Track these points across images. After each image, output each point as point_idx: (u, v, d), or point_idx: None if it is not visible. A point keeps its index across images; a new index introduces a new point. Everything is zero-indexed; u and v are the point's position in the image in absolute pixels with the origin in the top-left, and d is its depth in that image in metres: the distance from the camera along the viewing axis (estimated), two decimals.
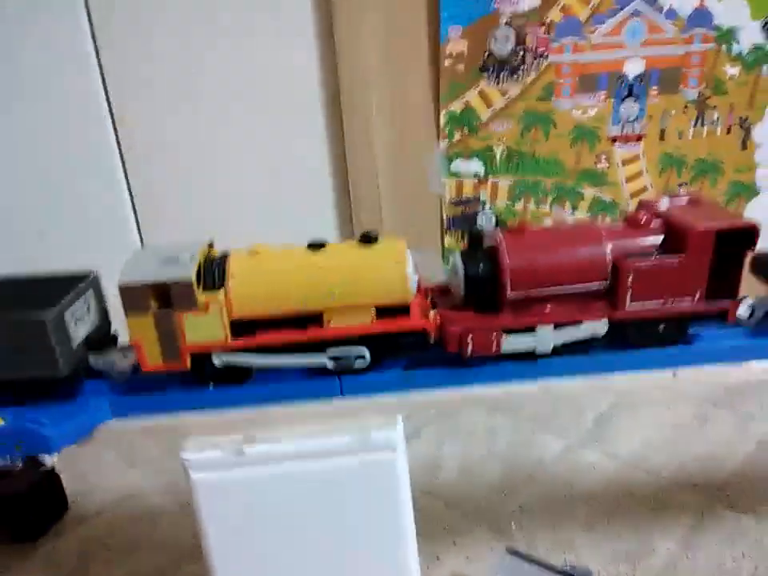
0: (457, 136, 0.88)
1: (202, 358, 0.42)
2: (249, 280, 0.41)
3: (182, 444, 0.41)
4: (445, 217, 0.91)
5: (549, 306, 0.43)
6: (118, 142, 0.83)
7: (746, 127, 0.88)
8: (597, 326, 0.43)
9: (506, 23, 0.83)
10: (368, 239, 0.43)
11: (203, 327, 0.41)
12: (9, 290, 0.47)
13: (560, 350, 0.43)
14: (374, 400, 0.45)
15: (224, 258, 0.43)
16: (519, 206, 0.91)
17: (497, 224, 0.91)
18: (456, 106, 0.86)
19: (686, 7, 0.82)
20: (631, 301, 0.42)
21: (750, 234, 0.42)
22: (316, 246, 0.43)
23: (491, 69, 0.85)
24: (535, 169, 0.89)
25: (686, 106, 0.87)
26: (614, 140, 0.88)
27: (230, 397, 0.42)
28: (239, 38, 0.81)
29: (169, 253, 0.42)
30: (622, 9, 0.83)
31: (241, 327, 0.42)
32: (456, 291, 0.44)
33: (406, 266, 0.42)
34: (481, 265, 0.43)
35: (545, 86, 0.86)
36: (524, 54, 0.85)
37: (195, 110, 0.82)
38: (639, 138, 0.88)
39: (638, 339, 0.44)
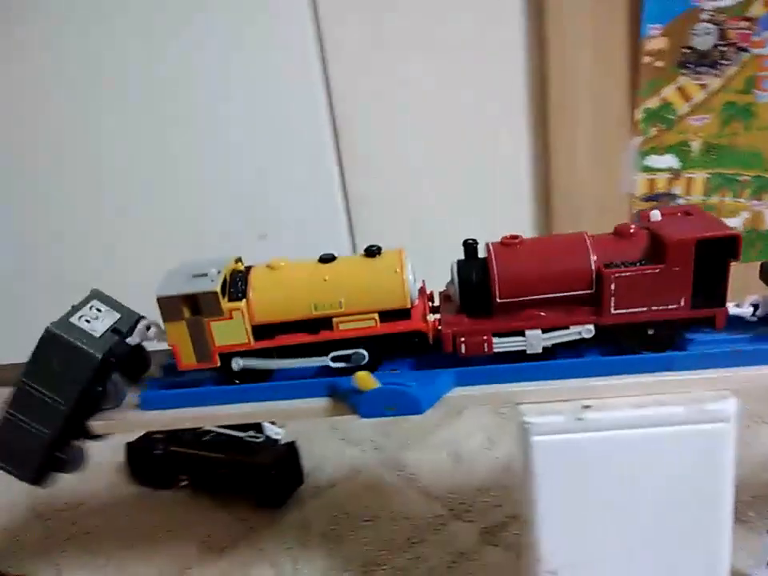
0: (652, 132, 0.89)
1: (229, 358, 0.48)
2: (267, 290, 0.47)
3: (522, 409, 0.46)
4: (636, 211, 0.93)
5: (537, 310, 0.46)
6: (338, 152, 0.91)
7: None
8: (583, 330, 0.45)
9: (707, 19, 0.84)
10: (372, 252, 0.48)
11: (229, 331, 0.47)
12: None
13: (552, 350, 0.46)
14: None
15: (247, 271, 0.49)
16: (715, 199, 0.91)
17: None
18: (653, 102, 0.88)
19: None
20: (615, 308, 0.44)
21: (732, 243, 0.42)
22: (326, 259, 0.48)
23: (691, 64, 0.87)
24: (734, 161, 0.89)
25: None
26: None
27: (559, 369, 0.46)
28: (451, 34, 0.86)
29: (199, 268, 0.48)
30: None
31: (262, 331, 0.48)
32: (454, 297, 0.48)
33: (404, 274, 0.47)
34: (473, 274, 0.46)
35: (746, 78, 0.86)
36: (725, 48, 0.85)
37: (409, 118, 0.89)
38: None
39: (627, 343, 0.46)
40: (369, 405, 0.45)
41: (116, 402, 0.51)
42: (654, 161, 0.91)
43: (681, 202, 0.92)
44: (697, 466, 0.43)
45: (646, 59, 0.86)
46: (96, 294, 0.55)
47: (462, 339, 0.46)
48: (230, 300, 0.47)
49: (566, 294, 0.45)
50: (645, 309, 0.44)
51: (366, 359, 0.48)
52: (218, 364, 0.48)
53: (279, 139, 0.90)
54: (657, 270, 0.43)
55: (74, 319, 0.50)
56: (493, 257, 0.46)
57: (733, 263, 0.44)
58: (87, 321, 0.50)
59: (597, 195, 0.90)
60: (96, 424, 0.49)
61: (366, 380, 0.44)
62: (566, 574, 0.47)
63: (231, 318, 0.46)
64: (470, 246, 0.47)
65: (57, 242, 0.99)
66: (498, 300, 0.45)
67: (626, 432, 0.43)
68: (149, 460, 0.82)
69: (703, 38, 0.85)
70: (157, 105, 0.89)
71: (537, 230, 0.93)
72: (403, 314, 0.47)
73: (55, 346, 0.48)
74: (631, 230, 0.46)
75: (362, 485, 0.80)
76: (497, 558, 0.67)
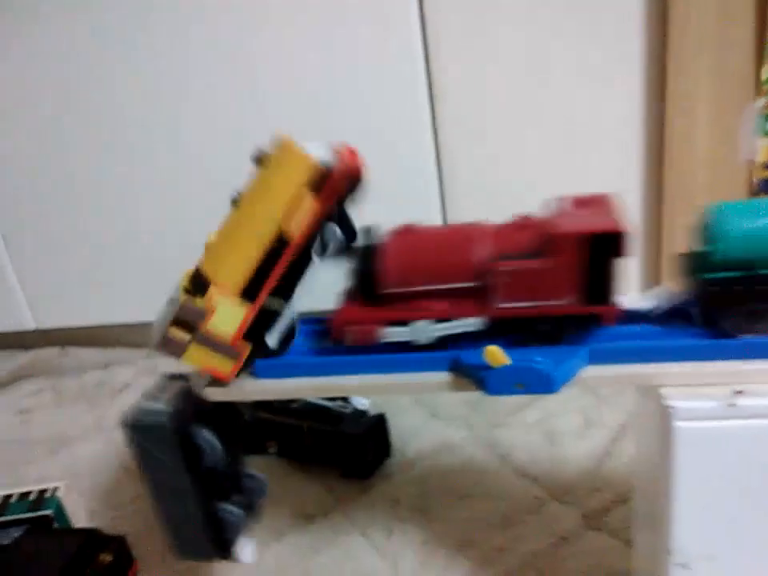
0: None
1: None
2: (216, 263, 0.46)
3: (664, 392, 0.42)
4: (755, 179, 0.85)
5: (426, 301, 0.45)
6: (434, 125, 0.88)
7: None
8: (470, 323, 0.44)
9: None
10: (260, 160, 0.45)
11: (225, 320, 0.46)
12: None
13: (444, 343, 0.45)
14: None
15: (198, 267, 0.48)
16: None
17: None
18: None
19: None
20: (501, 300, 0.43)
21: (616, 240, 0.40)
22: (235, 200, 0.46)
23: None
24: None
25: None
26: None
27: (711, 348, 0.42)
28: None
29: (170, 296, 0.48)
30: None
31: (248, 293, 0.46)
32: (353, 284, 0.47)
33: (291, 142, 0.43)
34: (365, 262, 0.45)
35: None
36: None
37: (511, 84, 0.84)
38: None
39: (517, 337, 0.45)
40: (498, 381, 0.42)
41: (213, 458, 0.51)
42: None
43: None
44: None
45: None
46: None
47: (348, 327, 0.45)
48: (202, 296, 0.47)
49: (453, 286, 0.44)
50: (531, 304, 0.43)
51: (338, 233, 0.46)
52: (247, 352, 0.47)
53: (376, 114, 0.87)
54: (542, 264, 0.41)
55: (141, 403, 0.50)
56: (383, 245, 0.45)
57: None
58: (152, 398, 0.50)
59: (714, 161, 0.83)
60: (210, 391, 0.48)
61: (497, 355, 0.41)
62: (700, 567, 0.44)
63: (213, 308, 0.46)
64: (368, 233, 0.47)
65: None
66: (385, 289, 0.45)
67: None
68: None
69: None
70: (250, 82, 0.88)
71: (647, 201, 0.87)
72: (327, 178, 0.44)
73: (134, 432, 0.48)
74: (529, 221, 0.44)
75: (452, 461, 0.78)
76: (601, 544, 0.64)
